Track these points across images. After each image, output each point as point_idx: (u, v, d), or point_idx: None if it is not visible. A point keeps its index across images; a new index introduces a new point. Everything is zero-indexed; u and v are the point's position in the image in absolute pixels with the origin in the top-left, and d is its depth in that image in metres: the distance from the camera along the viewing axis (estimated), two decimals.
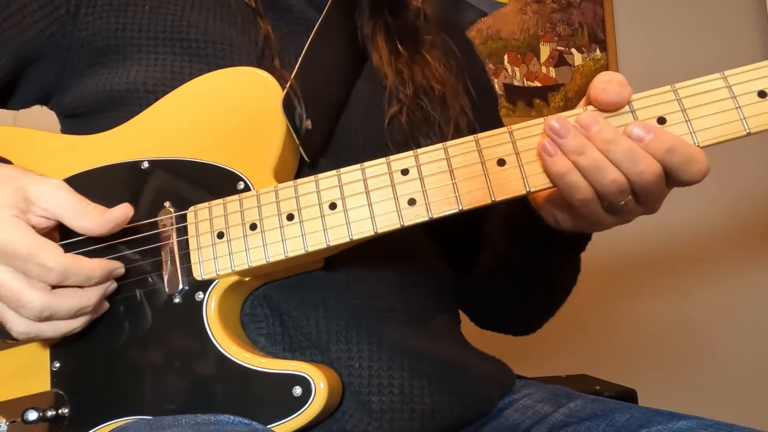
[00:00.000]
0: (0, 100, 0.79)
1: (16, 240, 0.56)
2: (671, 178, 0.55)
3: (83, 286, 0.59)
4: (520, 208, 0.69)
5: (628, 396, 1.50)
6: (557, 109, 2.14)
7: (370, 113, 0.74)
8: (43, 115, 0.85)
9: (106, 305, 0.63)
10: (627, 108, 0.56)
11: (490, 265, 0.83)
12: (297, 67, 0.68)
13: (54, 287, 0.57)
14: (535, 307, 0.86)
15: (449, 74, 0.81)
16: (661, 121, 0.55)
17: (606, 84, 0.56)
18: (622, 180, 0.55)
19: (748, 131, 0.53)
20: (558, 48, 2.19)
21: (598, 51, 2.19)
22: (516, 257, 0.77)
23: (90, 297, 0.59)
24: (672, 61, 2.17)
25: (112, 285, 0.62)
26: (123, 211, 0.61)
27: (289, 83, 0.66)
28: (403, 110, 0.74)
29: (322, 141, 0.69)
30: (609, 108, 0.56)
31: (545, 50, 2.18)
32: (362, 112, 0.74)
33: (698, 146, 0.54)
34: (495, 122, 0.92)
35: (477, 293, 0.86)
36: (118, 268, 0.62)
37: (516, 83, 2.14)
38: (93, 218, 0.60)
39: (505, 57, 2.15)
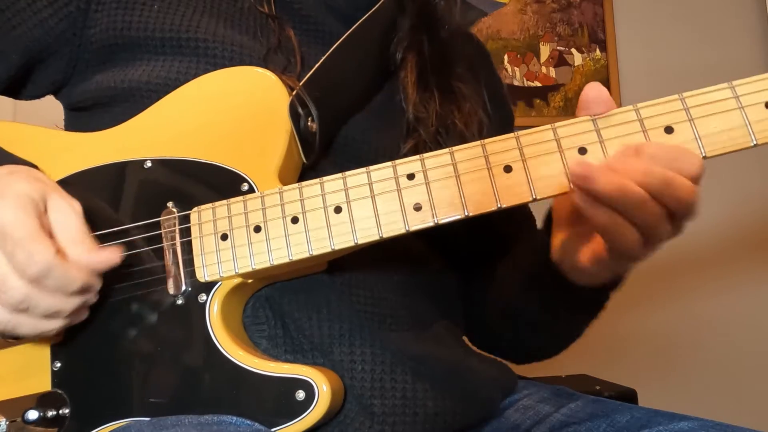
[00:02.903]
0: (12, 92, 0.79)
1: (19, 221, 0.55)
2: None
3: (59, 293, 0.56)
4: (541, 264, 0.67)
5: (628, 396, 1.50)
6: (557, 109, 2.14)
7: (386, 129, 0.74)
8: (43, 108, 0.84)
9: (86, 314, 0.61)
10: (635, 116, 0.56)
11: (500, 309, 0.80)
12: (312, 71, 0.67)
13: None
14: (539, 350, 0.84)
15: (475, 109, 0.78)
16: (669, 130, 0.55)
17: (587, 88, 0.56)
18: (659, 208, 0.53)
19: (755, 142, 0.54)
20: (558, 48, 2.19)
21: (598, 51, 2.19)
22: (531, 312, 0.76)
23: (68, 303, 0.57)
24: (672, 61, 2.17)
25: (93, 298, 0.60)
26: (107, 257, 0.58)
27: (297, 87, 0.65)
28: (419, 145, 0.72)
29: (325, 145, 0.69)
30: (595, 107, 0.56)
31: (545, 50, 2.18)
32: (377, 126, 0.74)
33: (705, 156, 0.54)
34: (507, 126, 0.91)
35: (481, 324, 0.84)
36: (97, 284, 0.59)
37: (516, 83, 2.14)
38: (82, 251, 0.57)
39: (505, 57, 2.15)
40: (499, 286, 0.80)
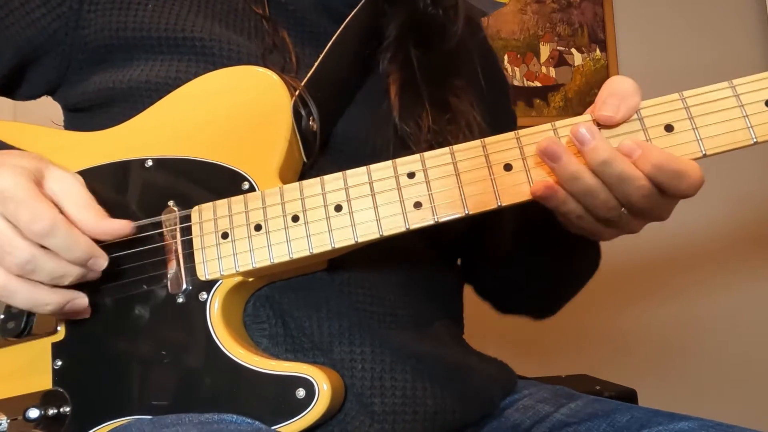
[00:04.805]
0: (7, 92, 0.79)
1: (19, 185, 0.55)
2: (666, 192, 0.56)
3: (63, 256, 0.57)
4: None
5: (628, 396, 1.50)
6: (557, 109, 2.14)
7: (382, 126, 0.73)
8: (43, 108, 0.84)
9: (88, 310, 0.62)
10: (635, 115, 0.56)
11: (503, 255, 0.84)
12: (312, 71, 0.68)
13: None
14: (550, 294, 0.87)
15: (471, 125, 0.77)
16: (669, 128, 0.55)
17: (607, 97, 0.56)
18: (612, 200, 0.56)
19: (755, 140, 0.54)
20: (558, 48, 2.19)
21: (598, 51, 2.20)
22: (527, 252, 0.78)
23: (71, 269, 0.57)
24: (672, 61, 2.17)
25: (95, 275, 0.60)
26: (121, 225, 0.60)
27: (300, 87, 0.66)
28: None
29: (323, 143, 0.69)
30: (606, 123, 0.56)
31: (545, 50, 2.18)
32: (374, 122, 0.73)
33: (705, 155, 0.55)
34: (506, 116, 0.92)
35: (492, 280, 0.88)
36: (101, 257, 0.59)
37: (516, 83, 2.14)
38: (92, 216, 0.59)
39: (505, 57, 2.15)
40: (495, 238, 0.83)
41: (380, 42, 0.78)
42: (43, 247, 0.56)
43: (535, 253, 0.78)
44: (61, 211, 0.59)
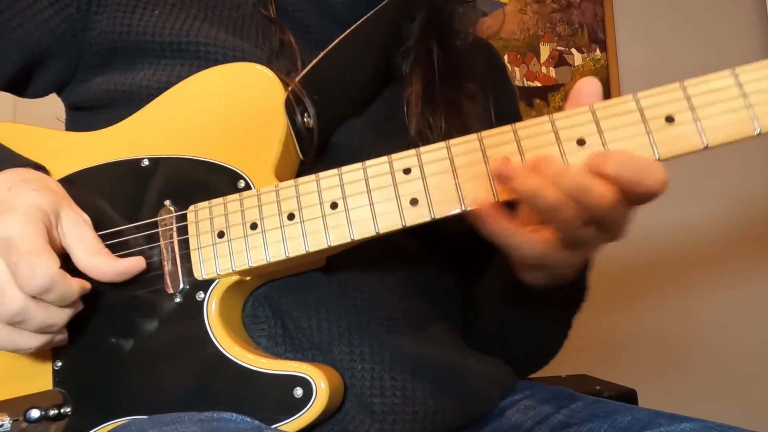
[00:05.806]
0: (15, 91, 0.79)
1: (27, 235, 0.55)
2: (631, 192, 0.52)
3: (56, 305, 0.57)
4: (502, 267, 0.68)
5: (628, 396, 1.49)
6: (557, 109, 2.13)
7: (388, 140, 0.71)
8: (42, 108, 0.84)
9: (65, 335, 0.61)
10: (634, 106, 0.54)
11: (480, 313, 0.81)
12: (308, 68, 0.67)
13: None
14: (521, 355, 0.82)
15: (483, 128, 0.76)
16: (670, 119, 0.53)
17: (582, 81, 0.56)
18: (582, 213, 0.52)
19: (759, 131, 0.51)
20: (558, 48, 2.19)
21: (598, 51, 2.19)
22: (500, 313, 0.77)
23: (61, 316, 0.58)
24: (672, 61, 2.17)
25: (80, 307, 0.61)
26: (134, 263, 0.61)
27: (293, 83, 0.65)
28: None
29: (323, 148, 0.69)
30: (585, 98, 0.55)
31: (545, 50, 2.18)
32: (379, 135, 0.72)
33: (707, 146, 0.52)
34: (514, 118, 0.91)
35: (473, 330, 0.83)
36: (89, 288, 0.60)
37: (516, 83, 2.14)
38: (105, 261, 0.60)
39: (505, 57, 2.15)
40: (477, 301, 0.81)
41: (399, 45, 0.77)
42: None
43: (511, 315, 0.75)
44: (70, 252, 0.59)
